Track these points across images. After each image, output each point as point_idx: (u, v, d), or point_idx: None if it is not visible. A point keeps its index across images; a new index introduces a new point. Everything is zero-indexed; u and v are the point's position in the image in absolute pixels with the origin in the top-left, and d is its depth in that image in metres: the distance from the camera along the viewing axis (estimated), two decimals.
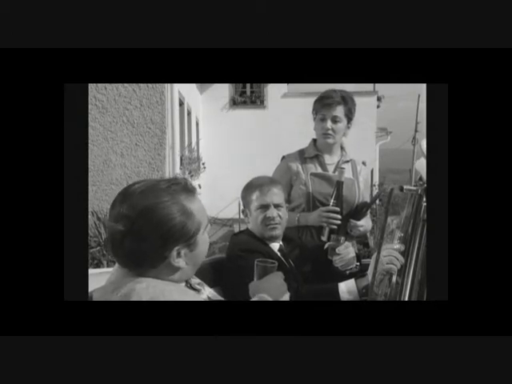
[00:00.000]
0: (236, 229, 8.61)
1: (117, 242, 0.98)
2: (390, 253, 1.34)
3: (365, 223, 1.92)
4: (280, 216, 1.66)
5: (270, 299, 1.14)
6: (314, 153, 2.03)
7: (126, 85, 5.98)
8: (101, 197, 5.87)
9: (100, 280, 1.08)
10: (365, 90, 9.91)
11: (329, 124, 1.95)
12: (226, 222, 9.75)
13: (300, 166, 2.00)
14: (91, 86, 5.73)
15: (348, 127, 2.02)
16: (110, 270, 1.09)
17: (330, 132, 1.96)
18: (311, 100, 2.05)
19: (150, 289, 0.98)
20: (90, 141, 5.77)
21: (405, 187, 1.25)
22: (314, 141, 2.07)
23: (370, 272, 1.44)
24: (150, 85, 6.01)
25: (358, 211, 1.95)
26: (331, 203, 1.81)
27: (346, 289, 1.49)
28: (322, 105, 1.96)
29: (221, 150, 10.28)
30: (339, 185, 1.79)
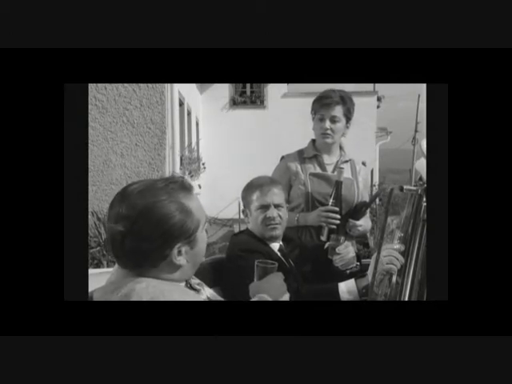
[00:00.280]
0: (236, 229, 8.61)
1: (117, 242, 0.98)
2: (390, 253, 1.34)
3: (364, 223, 1.92)
4: (280, 216, 1.66)
5: (269, 299, 1.15)
6: (312, 153, 2.03)
7: (126, 85, 5.98)
8: (101, 197, 5.87)
9: (100, 280, 1.08)
10: (365, 89, 9.91)
11: (327, 124, 1.95)
12: (226, 222, 9.75)
13: (299, 166, 2.00)
14: (91, 86, 5.73)
15: (347, 127, 2.02)
16: (110, 270, 1.09)
17: (329, 132, 1.96)
18: (311, 100, 2.05)
19: (150, 289, 0.98)
20: (90, 141, 5.77)
21: (405, 187, 1.25)
22: (313, 141, 2.07)
23: (370, 272, 1.44)
24: (149, 85, 6.01)
25: (357, 211, 1.95)
26: (330, 203, 1.81)
27: (346, 289, 1.49)
28: (321, 105, 1.96)
29: (221, 150, 10.28)
30: (338, 185, 1.79)
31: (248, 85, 10.77)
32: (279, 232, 1.68)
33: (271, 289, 1.18)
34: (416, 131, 13.29)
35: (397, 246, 1.34)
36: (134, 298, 0.96)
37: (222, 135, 10.44)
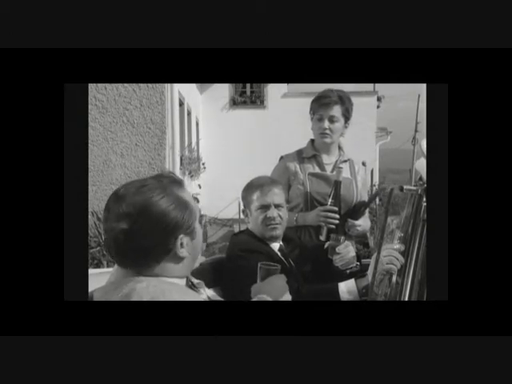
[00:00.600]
0: (236, 229, 8.62)
1: (120, 241, 0.99)
2: (390, 253, 1.34)
3: (363, 223, 1.92)
4: (280, 216, 1.66)
5: (270, 300, 1.15)
6: (311, 153, 2.03)
7: (126, 85, 5.98)
8: (101, 197, 5.86)
9: (100, 280, 1.08)
10: (365, 89, 9.92)
11: (326, 124, 1.95)
12: (226, 222, 9.75)
13: (298, 166, 2.00)
14: (91, 86, 5.73)
15: (345, 127, 2.02)
16: (110, 270, 1.10)
17: (328, 132, 1.96)
18: (311, 100, 2.06)
19: (150, 288, 0.98)
20: (90, 141, 5.77)
21: (405, 187, 1.25)
22: (312, 141, 2.08)
23: (370, 272, 1.44)
24: (149, 85, 6.01)
25: (356, 211, 1.96)
26: (329, 203, 1.81)
27: (346, 289, 1.49)
28: (319, 104, 1.96)
29: (221, 150, 10.28)
30: (337, 184, 1.79)
31: (248, 85, 10.77)
32: (279, 232, 1.68)
33: (273, 290, 1.19)
34: (416, 131, 13.28)
35: (397, 245, 1.34)
36: (135, 298, 0.96)
37: (222, 135, 10.43)
